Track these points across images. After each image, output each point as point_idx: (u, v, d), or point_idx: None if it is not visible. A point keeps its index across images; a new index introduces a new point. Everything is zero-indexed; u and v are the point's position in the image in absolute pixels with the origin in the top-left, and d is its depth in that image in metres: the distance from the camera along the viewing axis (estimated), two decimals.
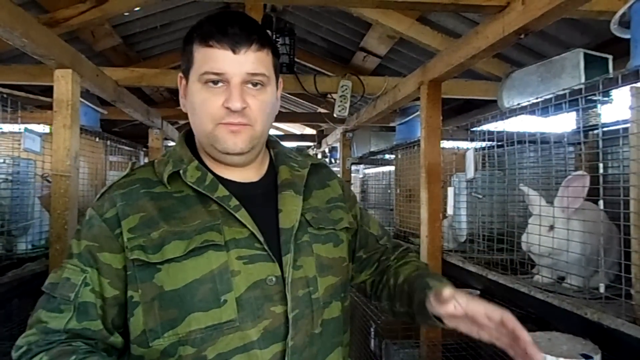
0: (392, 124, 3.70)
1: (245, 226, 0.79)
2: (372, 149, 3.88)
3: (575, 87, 1.34)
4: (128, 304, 0.77)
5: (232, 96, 0.78)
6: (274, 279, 0.78)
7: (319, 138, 5.80)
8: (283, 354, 0.76)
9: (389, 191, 3.88)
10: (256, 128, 0.83)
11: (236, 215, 0.79)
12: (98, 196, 0.83)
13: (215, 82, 0.80)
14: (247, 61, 0.79)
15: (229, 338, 0.74)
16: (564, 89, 1.38)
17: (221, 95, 0.80)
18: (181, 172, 0.81)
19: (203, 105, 0.81)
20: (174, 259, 0.75)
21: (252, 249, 0.78)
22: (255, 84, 0.81)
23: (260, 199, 0.85)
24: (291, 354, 0.76)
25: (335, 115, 2.92)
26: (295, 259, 0.81)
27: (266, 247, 0.78)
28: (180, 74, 0.87)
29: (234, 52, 0.79)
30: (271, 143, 0.97)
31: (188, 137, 0.91)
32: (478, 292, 2.29)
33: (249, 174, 0.89)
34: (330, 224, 0.91)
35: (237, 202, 0.80)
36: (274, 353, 0.76)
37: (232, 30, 0.79)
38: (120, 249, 0.77)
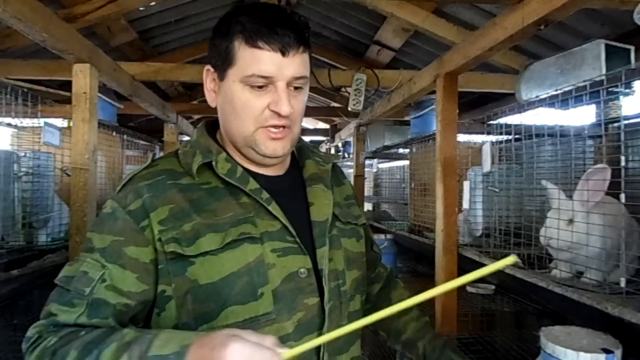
0: (406, 118, 3.68)
1: (276, 219, 0.79)
2: (386, 143, 3.87)
3: (597, 79, 1.31)
4: (159, 298, 0.75)
5: (281, 101, 0.77)
6: (305, 271, 0.78)
7: (332, 132, 5.80)
8: (317, 346, 0.76)
9: (402, 185, 3.87)
10: (294, 130, 0.82)
11: (269, 208, 0.78)
12: (119, 188, 0.80)
13: (260, 86, 0.78)
14: (294, 64, 0.78)
15: (265, 331, 0.73)
16: (584, 81, 1.36)
17: (265, 98, 0.78)
18: (213, 163, 0.80)
19: (245, 107, 0.78)
20: (210, 252, 0.73)
21: (284, 241, 0.78)
22: (296, 87, 0.80)
23: (287, 192, 0.85)
24: (327, 344, 0.77)
25: (349, 109, 2.91)
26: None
27: (298, 240, 0.79)
28: (210, 68, 0.84)
29: (284, 54, 0.76)
30: None
31: (208, 128, 0.89)
32: (493, 287, 2.28)
33: (275, 168, 0.88)
34: (353, 219, 0.92)
35: (268, 195, 0.80)
36: None
37: (282, 31, 0.76)
38: (147, 242, 0.74)
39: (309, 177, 0.89)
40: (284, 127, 0.80)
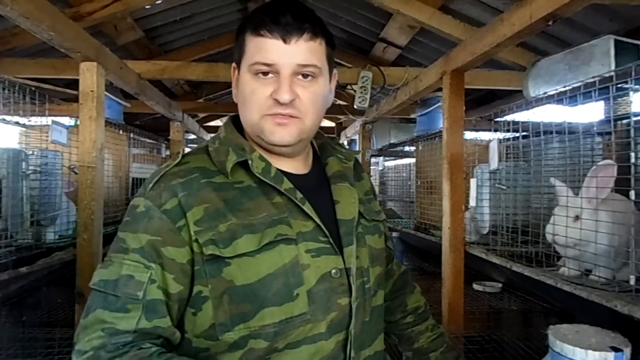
0: (412, 116, 3.67)
1: (310, 219, 0.78)
2: (392, 141, 3.86)
3: (606, 75, 1.30)
4: (195, 299, 0.74)
5: (280, 88, 0.76)
6: (337, 271, 0.78)
7: (338, 130, 5.78)
8: (344, 342, 0.77)
9: (409, 183, 3.86)
10: (305, 121, 0.80)
11: (303, 207, 0.78)
12: (150, 185, 0.77)
13: (265, 73, 0.78)
14: (298, 51, 0.77)
15: (299, 330, 0.74)
16: (593, 77, 1.34)
17: (270, 86, 0.77)
18: (249, 162, 0.79)
19: (252, 96, 0.79)
20: (247, 254, 0.73)
21: (318, 242, 0.78)
22: (305, 76, 0.79)
23: (314, 190, 0.84)
24: (353, 341, 0.78)
25: (355, 106, 2.90)
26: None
27: (331, 240, 0.78)
28: (234, 65, 0.85)
29: (285, 41, 0.76)
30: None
31: (235, 123, 0.89)
32: (500, 285, 2.27)
33: (299, 166, 0.88)
34: (375, 215, 0.92)
35: (302, 195, 0.79)
36: (336, 342, 0.77)
37: (284, 19, 0.76)
38: (184, 243, 0.73)
39: (333, 174, 0.89)
40: (291, 116, 0.79)
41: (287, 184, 0.80)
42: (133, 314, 0.69)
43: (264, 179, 0.79)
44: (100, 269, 0.74)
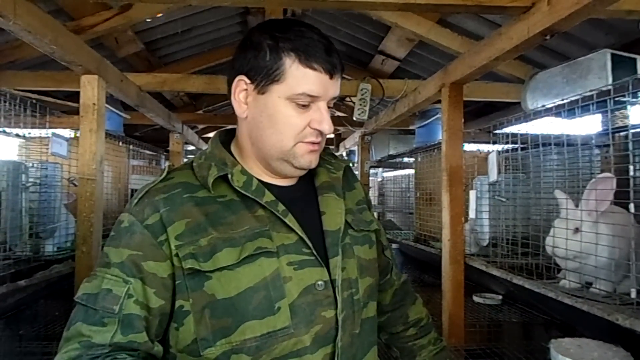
0: (411, 127, 3.68)
1: (293, 231, 0.78)
2: (391, 152, 3.87)
3: (604, 88, 1.31)
4: (177, 313, 0.75)
5: (324, 120, 0.80)
6: (322, 283, 0.78)
7: (337, 141, 5.80)
8: (331, 356, 0.77)
9: (407, 194, 3.87)
10: (322, 145, 0.85)
11: (285, 220, 0.78)
12: (135, 201, 0.79)
13: (304, 103, 0.80)
14: (336, 86, 0.82)
15: (283, 345, 0.73)
16: (591, 90, 1.36)
17: (306, 115, 0.80)
18: (229, 176, 0.80)
19: (287, 122, 0.80)
20: (227, 267, 0.73)
21: (301, 254, 0.78)
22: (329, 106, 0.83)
23: (300, 201, 0.85)
24: (340, 354, 0.77)
25: (354, 118, 2.91)
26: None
27: (314, 252, 0.78)
28: (246, 79, 0.82)
29: (331, 77, 0.80)
30: None
31: (222, 139, 0.90)
32: (500, 297, 2.26)
33: (288, 178, 0.88)
34: (365, 226, 0.91)
35: (284, 207, 0.80)
36: (323, 356, 0.76)
37: (333, 54, 0.80)
38: (165, 257, 0.74)
39: (321, 185, 0.89)
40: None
41: (268, 197, 0.80)
42: (109, 327, 0.70)
43: (245, 193, 0.79)
44: (85, 282, 0.75)
